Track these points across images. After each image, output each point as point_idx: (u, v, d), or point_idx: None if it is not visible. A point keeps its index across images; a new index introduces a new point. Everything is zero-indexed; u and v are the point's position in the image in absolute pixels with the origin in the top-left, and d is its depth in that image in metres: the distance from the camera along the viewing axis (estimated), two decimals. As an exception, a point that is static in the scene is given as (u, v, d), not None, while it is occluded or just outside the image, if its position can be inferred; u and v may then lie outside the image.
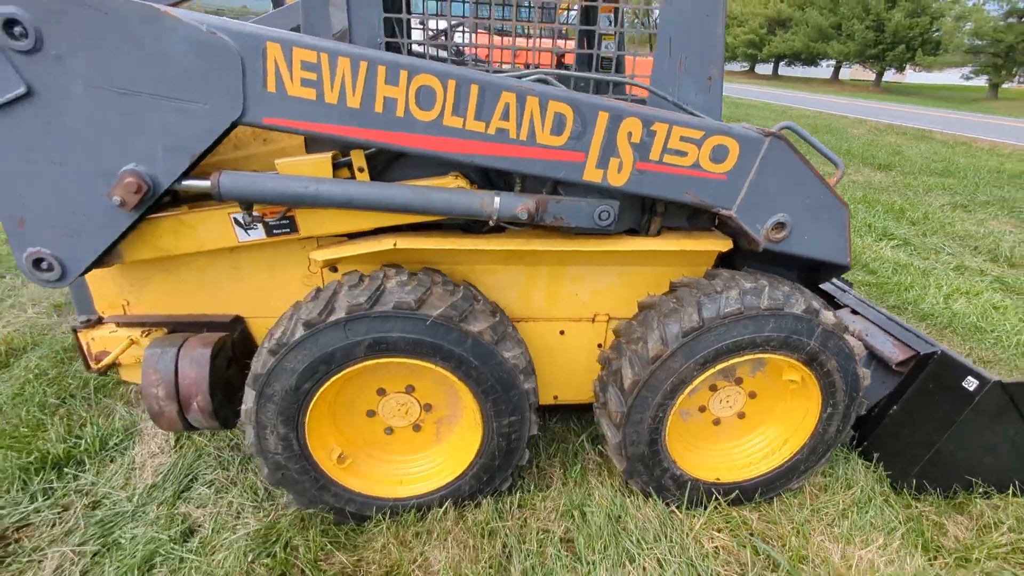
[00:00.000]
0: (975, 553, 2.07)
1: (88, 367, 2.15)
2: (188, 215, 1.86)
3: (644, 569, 1.94)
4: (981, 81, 36.11)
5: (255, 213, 1.84)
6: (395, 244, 1.92)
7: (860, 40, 36.46)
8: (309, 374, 1.82)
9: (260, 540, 2.03)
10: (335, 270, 2.11)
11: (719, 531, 2.14)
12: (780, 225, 1.96)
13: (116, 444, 2.52)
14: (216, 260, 2.06)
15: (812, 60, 43.33)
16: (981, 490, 2.33)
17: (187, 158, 1.65)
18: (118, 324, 2.11)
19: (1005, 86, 36.63)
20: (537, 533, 2.07)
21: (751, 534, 2.13)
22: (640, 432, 2.09)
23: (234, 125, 1.63)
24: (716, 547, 2.08)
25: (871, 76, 42.03)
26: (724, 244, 2.11)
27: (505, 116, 1.71)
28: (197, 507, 2.21)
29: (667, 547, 2.03)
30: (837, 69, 44.28)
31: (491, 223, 1.91)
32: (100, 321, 2.14)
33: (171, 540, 2.02)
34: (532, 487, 2.30)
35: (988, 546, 2.09)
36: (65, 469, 2.37)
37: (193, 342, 1.96)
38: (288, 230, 1.93)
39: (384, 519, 2.08)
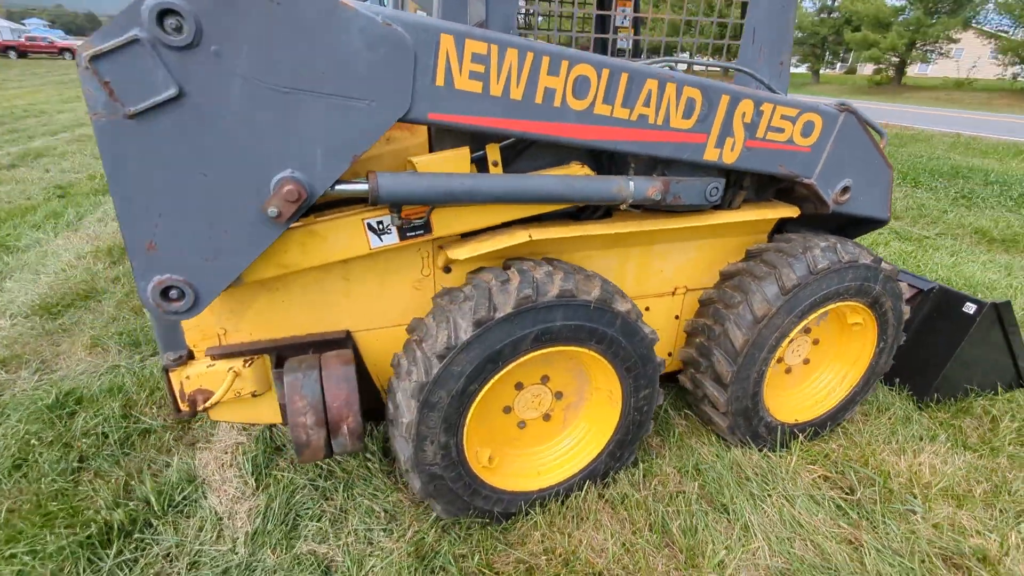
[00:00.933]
0: (996, 442, 2.56)
1: (178, 411, 1.88)
2: (319, 224, 1.72)
3: (779, 507, 2.15)
4: (804, 68, 42.17)
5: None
6: (530, 236, 1.93)
7: (707, 34, 40.89)
8: (476, 374, 1.77)
9: (416, 558, 1.93)
10: (448, 271, 2.06)
11: (812, 464, 2.42)
12: (846, 189, 2.26)
13: (184, 497, 2.22)
14: (327, 273, 1.92)
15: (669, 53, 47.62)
16: (974, 393, 2.87)
17: (347, 161, 1.53)
18: (214, 357, 1.88)
19: (824, 72, 43.15)
20: (674, 496, 2.20)
21: (836, 461, 2.44)
22: (746, 387, 2.30)
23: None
24: (816, 477, 2.35)
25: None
26: (793, 211, 2.37)
27: (647, 103, 1.80)
28: (320, 543, 2.04)
29: (784, 484, 2.26)
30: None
31: (623, 207, 1.99)
32: (191, 356, 1.89)
33: (316, 581, 1.86)
34: (645, 457, 2.42)
35: (1003, 435, 2.60)
36: (136, 535, 2.05)
37: (332, 361, 1.81)
38: (422, 231, 1.86)
39: (535, 511, 2.09)
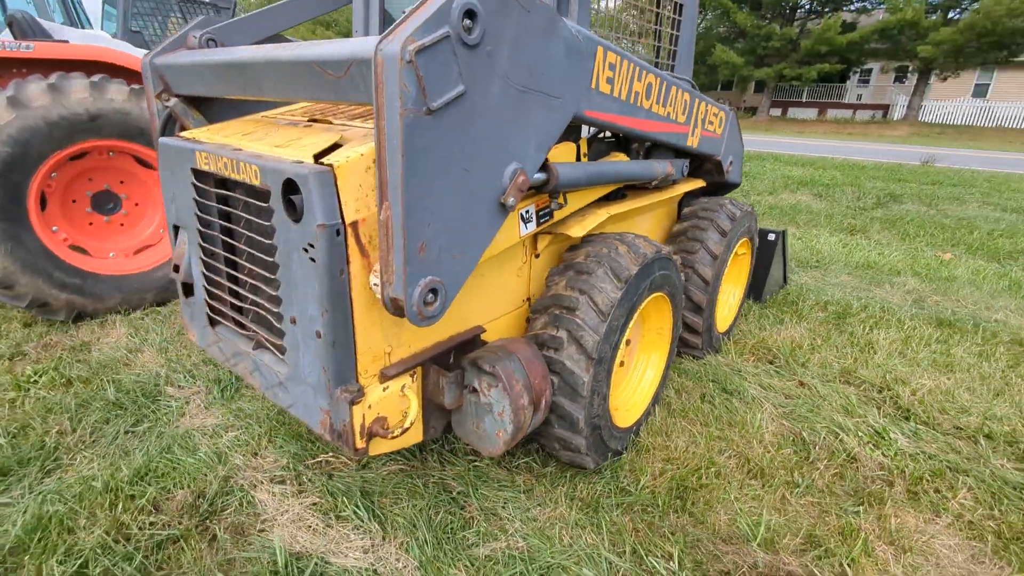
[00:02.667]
0: (823, 314, 4.07)
1: (356, 451, 1.70)
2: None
3: (758, 382, 3.08)
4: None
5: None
6: (609, 214, 2.37)
7: (649, 48, 44.55)
8: (623, 326, 2.13)
9: (589, 513, 2.16)
10: (538, 256, 2.32)
11: (744, 355, 3.46)
12: (731, 163, 3.34)
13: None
14: (468, 271, 1.99)
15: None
16: (777, 291, 4.44)
17: (545, 152, 1.74)
18: (381, 379, 1.76)
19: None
20: (703, 396, 2.92)
21: (753, 347, 3.54)
22: (711, 311, 3.17)
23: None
24: (753, 360, 3.39)
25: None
26: (703, 183, 3.36)
27: (673, 103, 2.45)
28: (493, 541, 2.05)
29: (747, 369, 3.22)
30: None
31: (654, 184, 2.59)
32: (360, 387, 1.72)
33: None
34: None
35: (807, 312, 4.13)
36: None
37: (517, 344, 1.91)
38: (549, 217, 2.11)
39: (638, 438, 2.52)
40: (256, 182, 1.65)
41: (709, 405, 2.85)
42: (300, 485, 2.30)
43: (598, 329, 2.03)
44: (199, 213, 2.00)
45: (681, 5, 3.00)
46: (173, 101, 2.20)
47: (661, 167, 2.56)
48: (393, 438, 1.75)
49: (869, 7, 27.26)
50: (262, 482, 2.32)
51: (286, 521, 2.13)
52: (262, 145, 1.77)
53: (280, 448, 2.51)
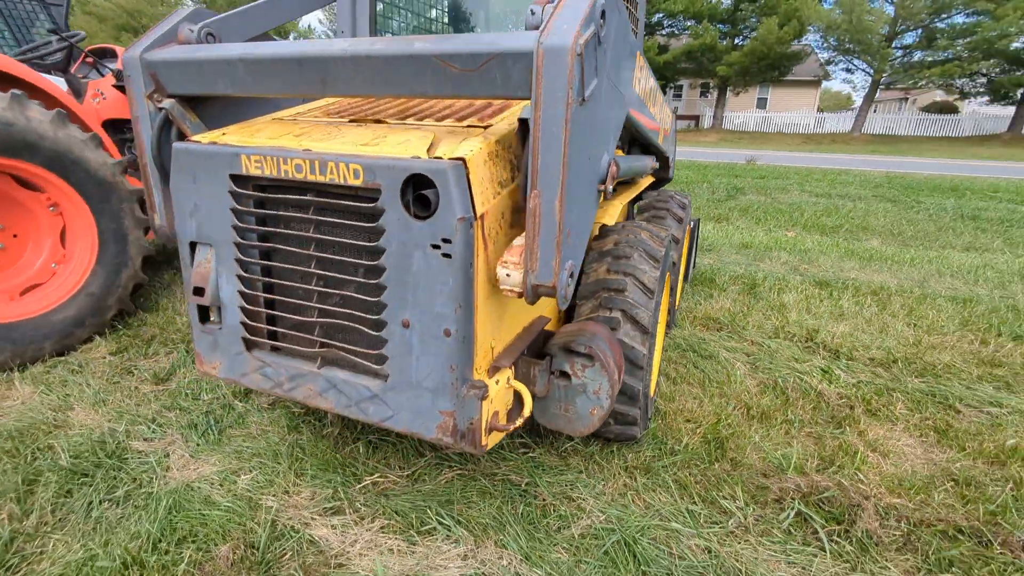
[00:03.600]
0: (737, 287, 4.74)
1: (480, 448, 1.70)
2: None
3: (723, 347, 3.55)
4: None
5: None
6: (623, 204, 2.60)
7: None
8: (659, 302, 2.36)
9: (650, 476, 2.35)
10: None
11: (696, 327, 3.94)
12: (672, 159, 3.80)
13: None
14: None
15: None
16: (690, 272, 5.09)
17: (615, 144, 1.91)
18: (490, 373, 1.77)
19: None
20: (690, 360, 3.28)
21: (700, 319, 4.04)
22: (676, 280, 3.58)
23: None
24: (703, 328, 3.87)
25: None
26: (652, 178, 3.77)
27: (657, 104, 2.76)
28: (568, 530, 2.14)
29: (705, 337, 3.69)
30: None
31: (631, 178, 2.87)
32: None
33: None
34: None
35: (729, 283, 4.81)
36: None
37: (595, 327, 2.02)
38: (593, 207, 2.26)
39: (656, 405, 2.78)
40: (356, 182, 1.56)
41: (696, 370, 3.22)
42: (358, 512, 2.14)
43: (648, 306, 2.24)
44: (239, 224, 1.79)
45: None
46: (169, 103, 1.93)
47: (651, 161, 2.87)
48: (504, 431, 1.76)
49: (676, 32, 31.74)
50: (314, 518, 2.11)
51: (362, 550, 1.97)
52: (339, 144, 1.66)
53: (315, 480, 2.29)
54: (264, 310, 1.89)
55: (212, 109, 2.09)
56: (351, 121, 1.97)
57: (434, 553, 1.96)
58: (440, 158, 1.49)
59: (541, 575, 1.89)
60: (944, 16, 27.44)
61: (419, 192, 1.49)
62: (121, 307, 3.60)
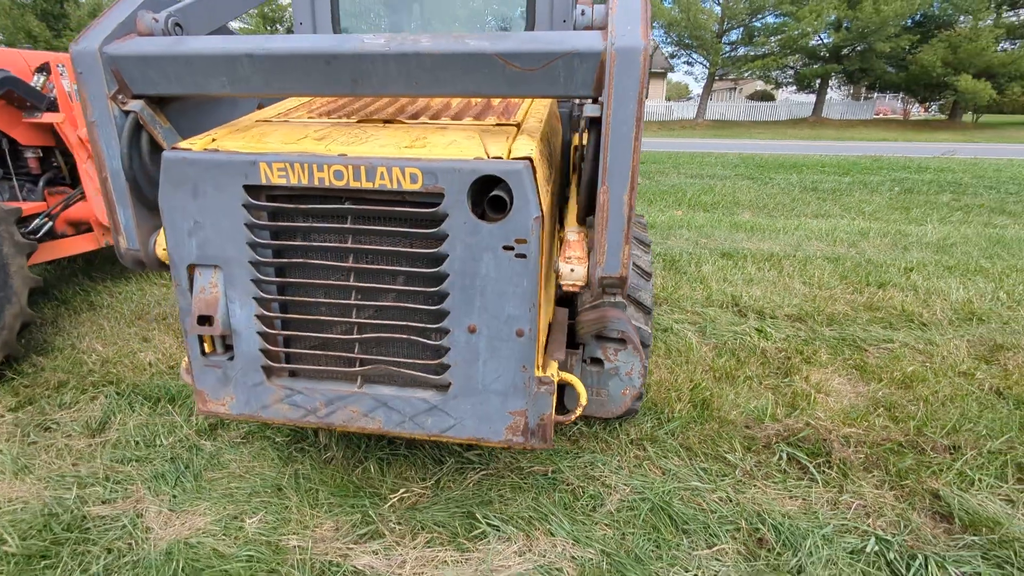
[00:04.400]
0: (661, 262, 5.15)
1: (548, 441, 1.73)
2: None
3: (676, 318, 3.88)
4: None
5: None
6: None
7: None
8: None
9: (657, 446, 2.54)
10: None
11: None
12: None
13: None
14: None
15: None
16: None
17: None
18: (546, 367, 1.81)
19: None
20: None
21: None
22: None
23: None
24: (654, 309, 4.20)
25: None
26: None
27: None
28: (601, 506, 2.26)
29: (656, 314, 4.01)
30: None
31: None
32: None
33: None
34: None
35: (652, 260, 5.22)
36: None
37: (614, 312, 2.13)
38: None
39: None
40: (414, 186, 1.49)
41: (658, 342, 3.50)
42: (394, 532, 2.04)
43: (647, 288, 2.40)
44: (257, 240, 1.61)
45: None
46: (137, 105, 1.65)
47: None
48: (564, 423, 1.81)
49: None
50: (350, 548, 1.98)
51: (414, 569, 1.90)
52: (378, 148, 1.57)
53: (335, 508, 2.14)
54: (291, 332, 1.72)
55: (176, 112, 1.82)
56: (359, 122, 1.85)
57: (491, 555, 1.95)
58: (507, 158, 1.47)
59: (595, 553, 1.98)
60: (759, 16, 31.74)
61: (494, 194, 1.47)
62: (8, 352, 2.97)
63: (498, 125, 1.77)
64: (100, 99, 1.62)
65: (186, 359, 1.86)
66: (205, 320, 1.69)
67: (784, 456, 2.45)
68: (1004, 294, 4.40)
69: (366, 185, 1.52)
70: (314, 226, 1.60)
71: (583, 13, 1.50)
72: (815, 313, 4.01)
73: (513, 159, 1.47)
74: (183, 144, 1.65)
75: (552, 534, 2.05)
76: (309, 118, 1.92)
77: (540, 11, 2.33)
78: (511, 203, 1.46)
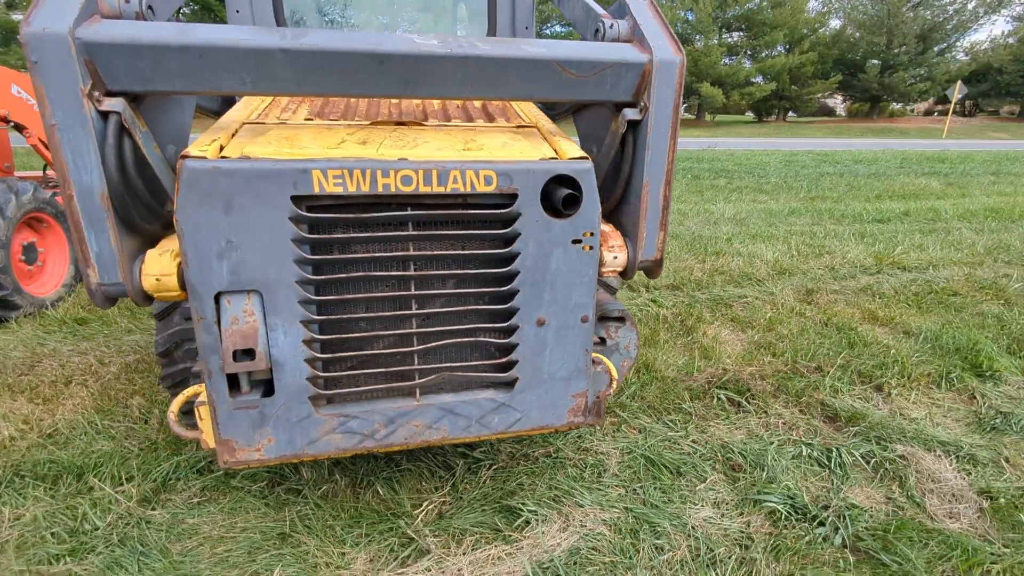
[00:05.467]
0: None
1: (602, 417, 1.91)
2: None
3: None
4: None
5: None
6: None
7: None
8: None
9: (630, 412, 2.86)
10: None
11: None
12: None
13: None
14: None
15: None
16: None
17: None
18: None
19: None
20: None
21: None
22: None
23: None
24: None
25: None
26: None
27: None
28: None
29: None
30: None
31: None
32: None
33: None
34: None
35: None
36: None
37: (604, 296, 2.35)
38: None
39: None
40: (488, 188, 1.52)
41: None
42: (438, 544, 2.00)
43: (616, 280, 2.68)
44: (306, 257, 1.46)
45: None
46: (117, 103, 1.35)
47: None
48: (607, 397, 1.98)
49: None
50: (401, 572, 1.88)
51: (474, 572, 1.90)
52: (434, 151, 1.54)
53: (364, 539, 2.00)
54: (345, 353, 1.57)
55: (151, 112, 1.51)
56: (373, 124, 1.75)
57: (539, 536, 2.04)
58: (565, 158, 1.58)
59: (619, 511, 2.20)
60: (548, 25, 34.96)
61: (568, 192, 1.56)
62: None
63: (521, 127, 1.84)
64: (68, 96, 1.28)
65: (197, 408, 1.57)
66: (245, 355, 1.45)
67: (721, 397, 2.97)
68: (796, 252, 5.79)
69: (437, 189, 1.48)
70: (371, 235, 1.50)
71: (611, 26, 1.67)
72: (686, 282, 4.79)
73: (577, 159, 1.59)
74: (193, 151, 1.39)
75: (580, 505, 2.21)
76: (306, 120, 1.74)
77: (501, 16, 2.41)
78: (581, 200, 1.58)
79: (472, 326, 1.66)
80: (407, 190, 1.47)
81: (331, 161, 1.42)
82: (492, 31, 2.41)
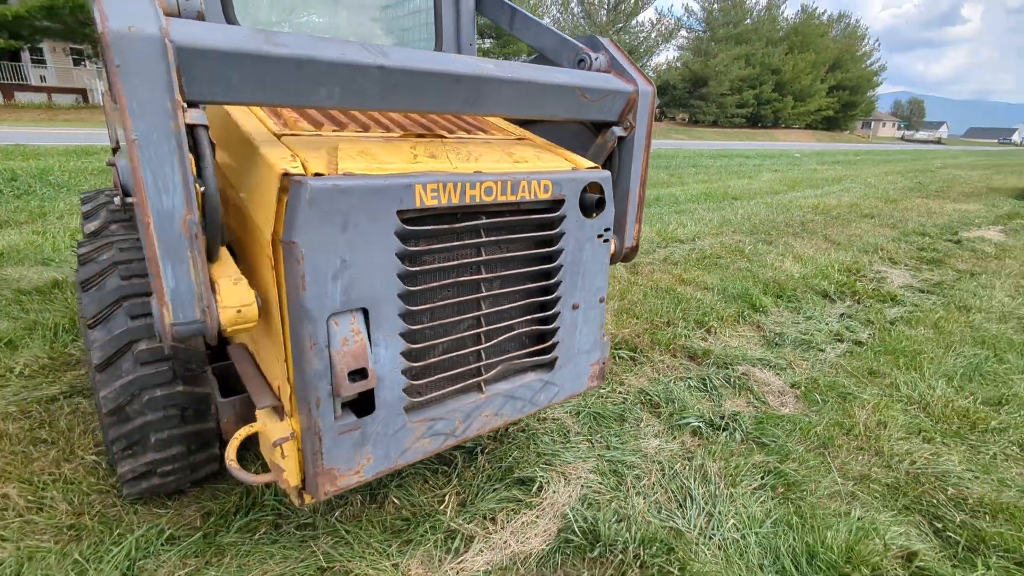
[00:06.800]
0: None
1: (606, 378, 2.30)
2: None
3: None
4: None
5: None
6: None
7: None
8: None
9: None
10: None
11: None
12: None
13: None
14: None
15: None
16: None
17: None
18: None
19: None
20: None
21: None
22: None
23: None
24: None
25: None
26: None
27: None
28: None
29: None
30: None
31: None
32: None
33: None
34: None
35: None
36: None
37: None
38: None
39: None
40: (546, 195, 1.76)
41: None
42: (478, 525, 2.14)
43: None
44: (408, 269, 1.52)
45: None
46: (198, 116, 1.22)
47: None
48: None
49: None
50: (460, 562, 1.99)
51: (519, 539, 2.13)
52: (491, 164, 1.71)
53: (408, 545, 2.02)
54: (434, 359, 1.62)
55: None
56: (412, 136, 1.79)
57: (553, 496, 2.34)
58: (583, 168, 1.91)
59: (595, 459, 2.64)
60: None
61: (599, 196, 1.87)
62: None
63: (520, 140, 2.08)
64: (155, 107, 1.10)
65: (278, 447, 1.44)
66: (357, 375, 1.41)
67: (622, 356, 3.64)
68: (693, 223, 7.00)
69: (510, 198, 1.66)
70: (474, 242, 1.62)
71: (597, 59, 2.04)
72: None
73: (594, 168, 1.92)
74: (291, 169, 1.30)
75: (568, 462, 2.58)
76: (337, 131, 1.68)
77: (447, 31, 2.50)
78: (604, 202, 1.92)
79: (526, 317, 1.87)
80: (488, 200, 1.61)
81: (429, 175, 1.48)
82: (439, 46, 2.51)
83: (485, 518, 2.19)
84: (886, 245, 7.36)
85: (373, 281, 1.43)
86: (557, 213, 1.82)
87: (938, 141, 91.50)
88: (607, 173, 1.94)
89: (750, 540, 2.20)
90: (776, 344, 4.08)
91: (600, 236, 1.98)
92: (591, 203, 1.90)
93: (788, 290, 5.19)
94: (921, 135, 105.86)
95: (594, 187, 1.91)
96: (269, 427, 1.50)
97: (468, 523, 2.15)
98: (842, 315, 4.76)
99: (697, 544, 2.15)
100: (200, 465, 2.06)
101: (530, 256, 1.83)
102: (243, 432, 1.51)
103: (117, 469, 1.90)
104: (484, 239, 1.69)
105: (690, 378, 3.45)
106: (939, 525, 2.38)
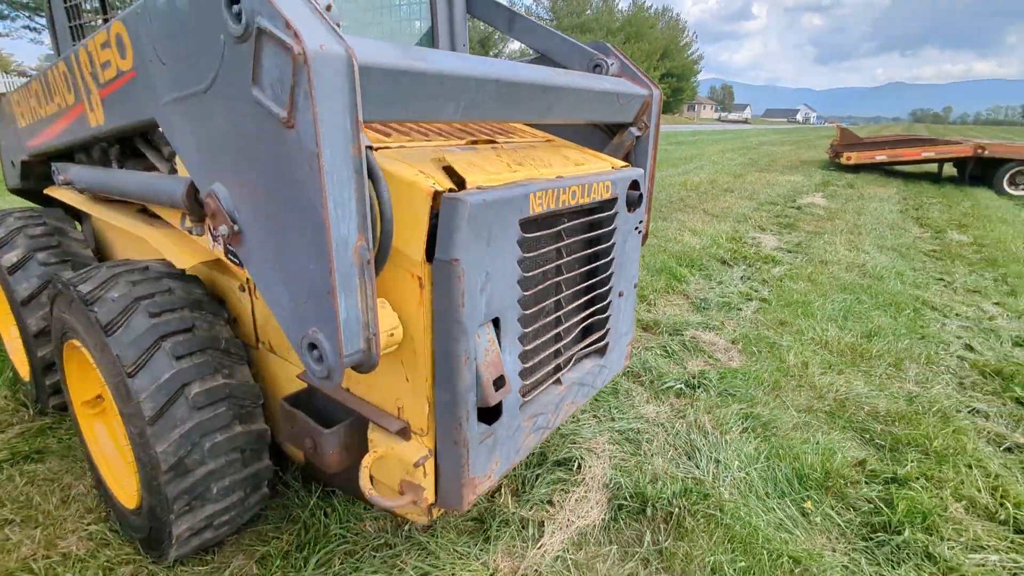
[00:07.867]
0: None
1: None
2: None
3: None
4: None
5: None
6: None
7: None
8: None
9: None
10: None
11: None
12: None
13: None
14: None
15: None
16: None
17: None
18: None
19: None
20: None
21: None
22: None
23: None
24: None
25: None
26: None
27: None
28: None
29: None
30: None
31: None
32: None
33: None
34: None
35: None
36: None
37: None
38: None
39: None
40: (607, 195, 1.90)
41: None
42: (541, 509, 2.25)
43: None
44: (524, 275, 1.58)
45: None
46: (365, 137, 1.18)
47: None
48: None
49: None
50: (543, 545, 2.09)
51: (569, 519, 2.29)
52: (560, 168, 1.82)
53: (489, 543, 2.08)
54: (535, 359, 1.69)
55: None
56: (481, 142, 1.81)
57: (590, 470, 2.53)
58: (626, 167, 2.08)
59: (607, 430, 2.88)
60: None
61: (639, 193, 2.04)
62: None
63: (549, 142, 2.18)
64: (340, 131, 1.05)
65: (419, 468, 1.43)
66: (500, 382, 1.44)
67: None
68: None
69: (586, 200, 1.77)
70: (571, 241, 1.73)
71: (611, 65, 2.21)
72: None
73: (628, 167, 2.10)
74: (438, 187, 1.29)
75: (588, 437, 2.78)
76: (419, 141, 1.65)
77: (442, 34, 2.43)
78: (643, 197, 2.11)
79: (590, 308, 2.00)
80: (572, 203, 1.71)
81: (535, 184, 1.54)
82: (434, 45, 2.45)
83: (543, 502, 2.31)
84: (751, 214, 8.62)
85: (503, 290, 1.46)
86: (613, 210, 1.97)
87: (745, 121, 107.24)
88: (642, 171, 2.13)
89: (753, 476, 2.59)
90: (704, 308, 4.67)
91: (636, 228, 2.18)
92: (633, 199, 2.08)
93: (696, 260, 5.90)
94: (733, 116, 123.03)
95: (634, 184, 2.09)
96: (398, 450, 1.47)
97: (533, 511, 2.25)
98: (743, 277, 5.55)
99: (716, 488, 2.50)
100: (250, 509, 1.90)
101: (595, 252, 1.97)
102: (370, 461, 1.46)
103: (171, 530, 1.68)
104: (565, 240, 1.79)
105: (652, 347, 3.84)
106: (867, 436, 3.02)
